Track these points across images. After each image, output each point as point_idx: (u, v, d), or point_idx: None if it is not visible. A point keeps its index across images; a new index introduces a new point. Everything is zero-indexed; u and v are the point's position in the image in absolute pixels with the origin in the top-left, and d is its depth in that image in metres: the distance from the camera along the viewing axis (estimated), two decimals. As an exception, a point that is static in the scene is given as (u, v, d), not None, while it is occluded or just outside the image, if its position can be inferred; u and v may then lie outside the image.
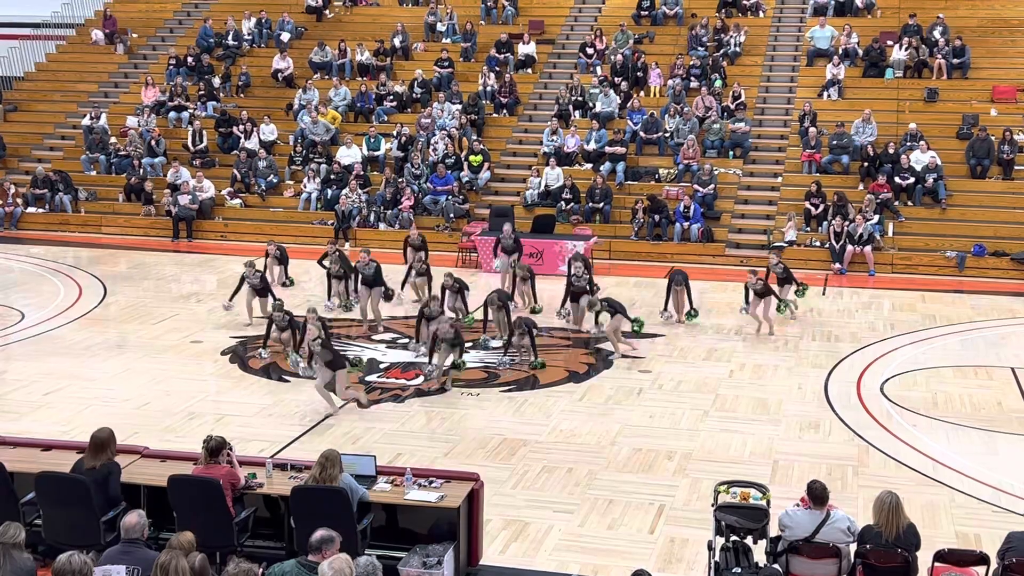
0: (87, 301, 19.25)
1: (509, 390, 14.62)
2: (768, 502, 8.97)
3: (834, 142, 24.63)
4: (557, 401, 14.16)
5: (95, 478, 8.89)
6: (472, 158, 25.35)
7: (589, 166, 25.25)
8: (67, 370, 15.20)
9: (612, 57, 27.77)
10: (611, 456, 12.26)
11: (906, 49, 26.79)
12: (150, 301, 19.11)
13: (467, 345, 15.57)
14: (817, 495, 8.39)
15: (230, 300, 17.55)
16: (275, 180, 25.89)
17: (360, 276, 17.39)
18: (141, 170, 26.25)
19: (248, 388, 14.63)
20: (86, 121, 27.88)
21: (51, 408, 13.63)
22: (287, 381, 14.88)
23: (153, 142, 26.82)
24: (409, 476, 9.36)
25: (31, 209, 26.05)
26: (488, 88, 27.62)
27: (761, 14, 29.37)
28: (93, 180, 26.97)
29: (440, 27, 29.91)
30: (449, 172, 24.91)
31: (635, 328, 16.56)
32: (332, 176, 25.21)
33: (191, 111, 28.03)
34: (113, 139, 27.40)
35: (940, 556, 8.18)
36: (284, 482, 9.29)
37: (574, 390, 14.64)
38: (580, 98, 26.87)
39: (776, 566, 8.41)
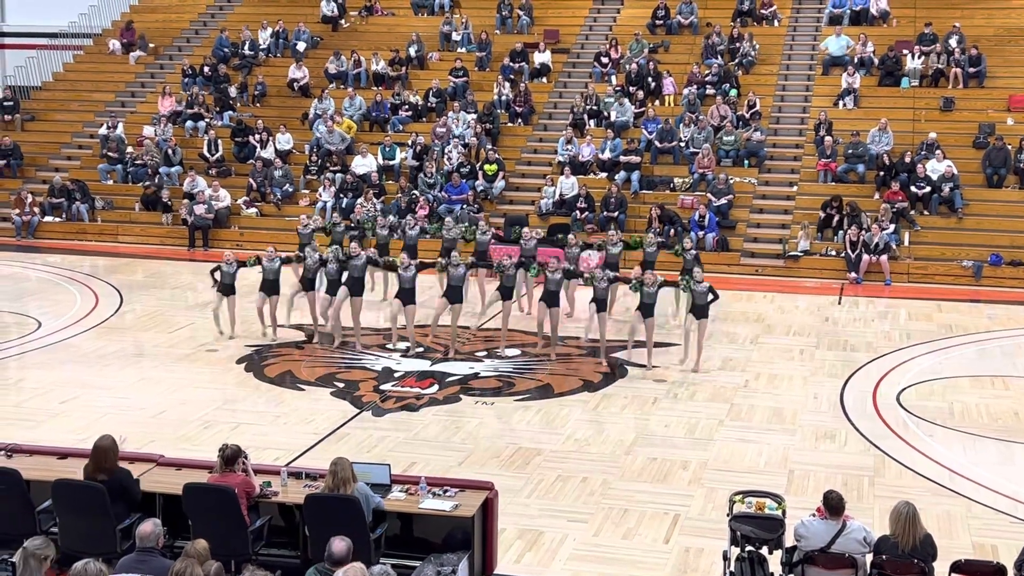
0: (103, 310, 19.32)
1: (524, 399, 14.62)
2: (784, 512, 8.94)
3: (850, 151, 24.58)
4: (572, 410, 14.14)
5: (109, 487, 8.91)
6: (487, 167, 25.39)
7: (604, 175, 25.24)
8: (83, 379, 15.26)
9: (627, 66, 27.78)
10: (626, 465, 12.24)
11: (920, 57, 26.73)
12: (166, 310, 19.17)
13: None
14: (833, 505, 8.36)
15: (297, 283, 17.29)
16: (291, 189, 25.96)
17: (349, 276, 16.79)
18: (157, 178, 26.35)
19: (263, 397, 14.66)
20: (103, 130, 28.02)
21: (67, 416, 13.68)
22: (302, 390, 14.91)
23: (169, 151, 26.94)
24: (423, 485, 9.36)
25: (48, 218, 26.18)
26: (503, 97, 27.65)
27: (776, 23, 29.35)
28: (110, 189, 27.10)
29: (455, 36, 29.97)
30: (464, 181, 24.95)
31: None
32: (347, 185, 25.27)
33: (207, 120, 28.15)
34: (130, 148, 27.52)
35: (957, 567, 8.13)
36: (299, 490, 9.30)
37: (588, 399, 14.63)
38: (595, 107, 26.88)
39: (791, 576, 8.38)
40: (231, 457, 9.09)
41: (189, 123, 28.23)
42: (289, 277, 18.09)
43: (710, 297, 15.78)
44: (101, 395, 14.57)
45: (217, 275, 17.20)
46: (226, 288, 17.18)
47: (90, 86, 31.12)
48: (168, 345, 17.04)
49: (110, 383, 15.10)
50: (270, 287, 17.20)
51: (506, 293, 16.70)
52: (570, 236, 19.22)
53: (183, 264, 23.34)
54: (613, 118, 26.36)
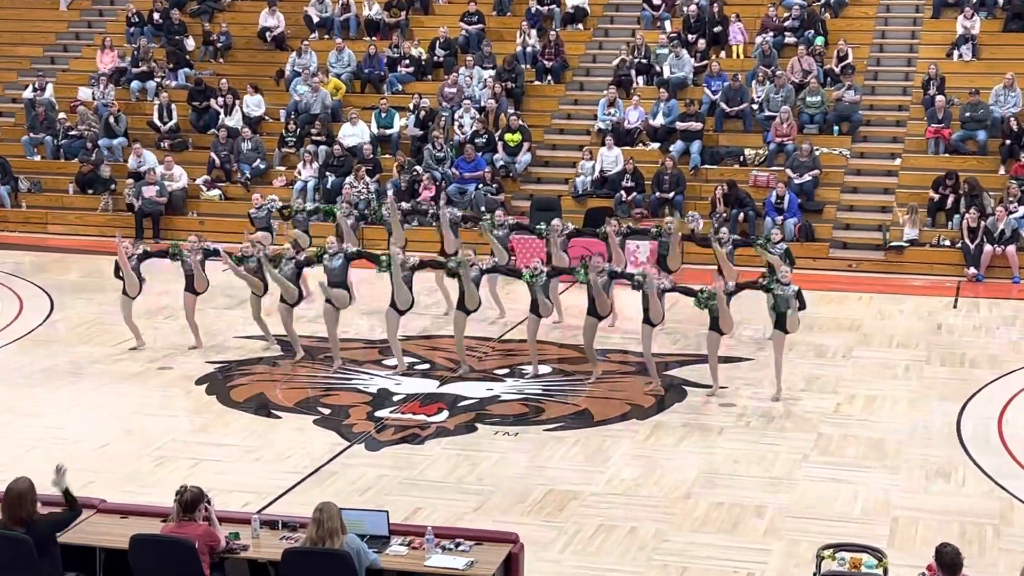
0: (29, 318, 19.44)
1: (556, 428, 14.63)
2: (885, 570, 8.93)
3: (967, 114, 24.48)
4: (616, 442, 14.14)
5: (33, 540, 8.94)
6: (508, 137, 25.41)
7: (656, 146, 25.23)
8: (5, 403, 15.34)
9: (684, 8, 27.76)
10: (685, 512, 12.24)
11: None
12: (108, 317, 19.25)
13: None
14: (948, 562, 8.33)
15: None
16: (262, 166, 26.06)
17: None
18: (95, 153, 26.50)
19: (230, 426, 14.72)
20: (28, 93, 28.19)
21: (-15, 451, 13.78)
22: (278, 417, 14.96)
23: (111, 119, 27.08)
24: (430, 537, 9.38)
25: (-40, 203, 26.40)
26: (528, 49, 27.67)
27: (874, -47, 29.25)
28: (37, 167, 27.27)
29: (468, -28, 30.04)
30: (479, 155, 24.98)
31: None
32: (333, 160, 25.34)
33: (158, 80, 28.28)
34: (62, 115, 27.69)
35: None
36: (274, 544, 9.34)
37: (637, 429, 14.62)
38: (644, 60, 26.86)
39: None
40: (191, 502, 9.13)
41: (135, 84, 28.37)
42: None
43: (796, 305, 15.58)
44: (28, 424, 14.66)
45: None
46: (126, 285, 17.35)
47: (12, 38, 31.31)
48: (111, 361, 17.13)
49: (39, 409, 15.18)
50: (193, 284, 17.39)
51: (539, 309, 16.53)
52: (612, 221, 19.09)
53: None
54: (667, 74, 26.34)
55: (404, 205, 21.35)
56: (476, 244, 19.60)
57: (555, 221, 19.21)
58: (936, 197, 23.28)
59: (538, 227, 19.40)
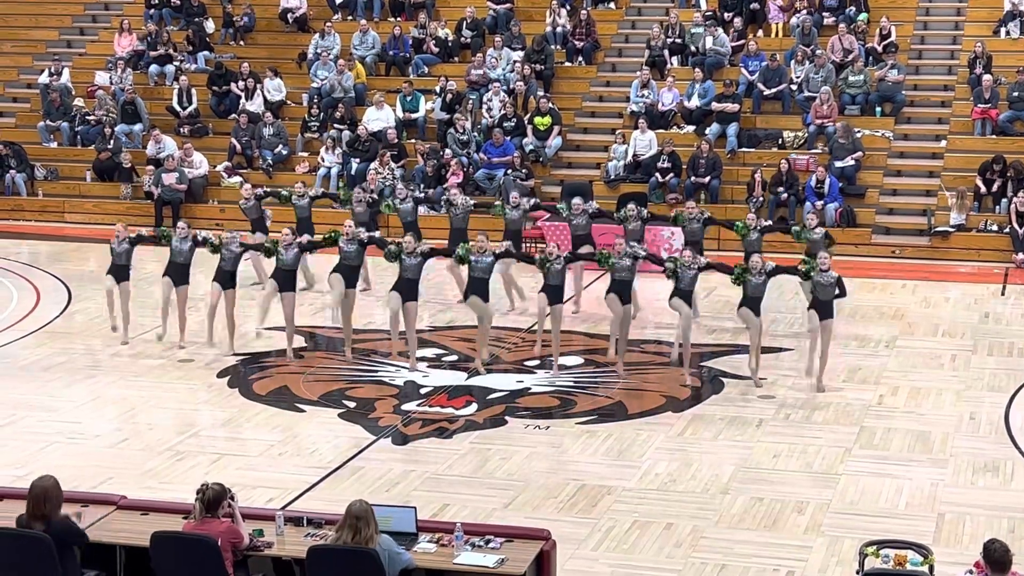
0: (47, 309, 19.56)
1: (588, 421, 14.63)
2: (931, 568, 8.91)
3: (1015, 94, 24.34)
4: (652, 436, 14.14)
5: (52, 538, 9.00)
6: (538, 120, 25.38)
7: (691, 129, 25.16)
8: (21, 398, 15.43)
9: (720, -14, 27.70)
10: (723, 508, 12.24)
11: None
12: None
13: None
14: (996, 559, 8.30)
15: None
16: (284, 152, 26.10)
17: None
18: (113, 140, 26.61)
19: (252, 420, 14.78)
20: (43, 78, 28.30)
21: (1, 447, 13.83)
22: (302, 411, 15.01)
23: (129, 104, 27.16)
24: (459, 534, 9.39)
25: (-25, 192, 26.55)
26: (558, 29, 27.62)
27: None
28: (53, 154, 27.39)
29: (495, -51, 30.03)
30: (508, 139, 24.96)
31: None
32: (359, 145, 25.37)
33: (177, 64, 28.35)
34: (78, 101, 27.79)
35: None
36: (299, 541, 9.37)
37: (673, 422, 14.62)
38: (679, 40, 26.79)
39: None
40: (213, 500, 9.15)
41: (154, 67, 28.45)
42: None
43: (836, 291, 15.57)
44: (44, 419, 14.73)
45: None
46: (116, 271, 17.49)
47: (26, 21, 31.40)
48: (130, 354, 17.22)
49: (56, 403, 15.26)
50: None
51: (554, 294, 16.40)
52: (629, 206, 18.91)
53: (148, 250, 23.48)
54: (703, 52, 26.26)
55: (417, 193, 21.44)
56: (489, 231, 19.46)
57: (576, 200, 19.13)
58: (983, 180, 23.12)
59: (559, 206, 19.39)
